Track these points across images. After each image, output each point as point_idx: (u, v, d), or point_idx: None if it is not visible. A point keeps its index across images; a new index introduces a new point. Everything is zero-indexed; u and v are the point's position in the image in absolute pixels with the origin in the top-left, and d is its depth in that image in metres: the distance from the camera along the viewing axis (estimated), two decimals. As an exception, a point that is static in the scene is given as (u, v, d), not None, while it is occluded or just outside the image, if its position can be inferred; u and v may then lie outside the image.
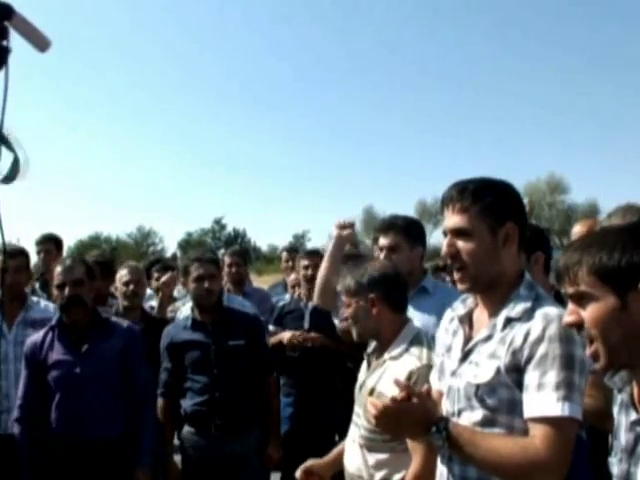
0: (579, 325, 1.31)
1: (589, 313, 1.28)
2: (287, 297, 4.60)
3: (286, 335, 3.92)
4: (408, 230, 3.03)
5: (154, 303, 4.87)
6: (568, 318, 1.34)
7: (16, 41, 1.59)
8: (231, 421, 3.28)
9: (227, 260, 4.98)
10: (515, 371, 1.64)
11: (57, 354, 3.08)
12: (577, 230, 3.78)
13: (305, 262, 4.15)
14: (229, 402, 3.26)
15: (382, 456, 2.24)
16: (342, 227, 3.16)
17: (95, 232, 55.73)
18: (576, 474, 2.24)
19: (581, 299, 1.29)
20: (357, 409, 2.40)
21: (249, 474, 3.32)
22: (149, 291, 5.21)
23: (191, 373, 3.33)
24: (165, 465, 3.35)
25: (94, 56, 77.32)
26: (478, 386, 1.69)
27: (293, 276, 4.32)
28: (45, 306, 3.76)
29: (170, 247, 55.38)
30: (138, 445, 3.05)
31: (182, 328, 3.43)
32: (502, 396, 1.66)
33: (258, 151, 77.88)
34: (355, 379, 2.55)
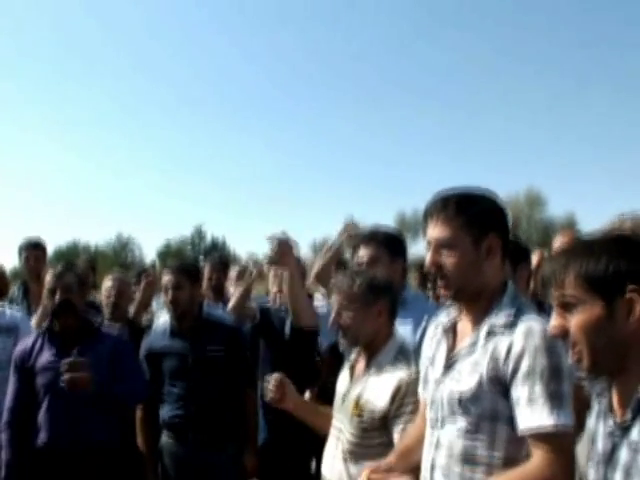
0: (565, 332, 1.32)
1: (575, 320, 1.30)
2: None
3: None
4: (389, 242, 3.02)
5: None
6: (555, 325, 1.35)
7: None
8: (208, 430, 3.25)
9: (207, 269, 4.96)
10: (497, 381, 1.66)
11: (46, 360, 3.07)
12: (558, 241, 3.83)
13: None
14: (206, 411, 3.25)
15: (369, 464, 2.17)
16: (279, 258, 3.07)
17: (73, 240, 55.10)
18: None
19: (568, 306, 1.31)
20: (338, 423, 2.33)
21: None
22: None
23: (169, 381, 3.32)
24: (144, 474, 3.33)
25: (68, 66, 76.67)
26: (461, 395, 1.72)
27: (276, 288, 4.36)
28: (10, 314, 3.72)
29: (149, 255, 54.86)
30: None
31: (160, 335, 3.43)
32: (485, 405, 1.69)
33: (238, 159, 77.75)
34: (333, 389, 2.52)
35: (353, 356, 2.47)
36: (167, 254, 49.60)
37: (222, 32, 76.45)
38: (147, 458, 3.37)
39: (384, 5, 68.32)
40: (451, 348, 1.84)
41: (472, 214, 1.76)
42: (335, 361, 3.68)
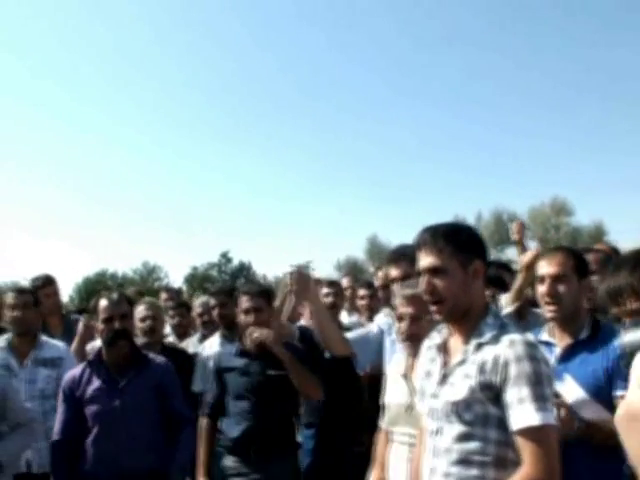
0: None
1: None
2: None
3: None
4: None
5: (171, 339, 4.87)
6: None
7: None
8: (268, 448, 3.34)
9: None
10: (487, 389, 1.87)
11: (96, 388, 3.12)
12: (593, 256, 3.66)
13: (326, 290, 4.46)
14: (266, 430, 3.34)
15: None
16: (299, 289, 3.10)
17: (101, 269, 55.83)
18: None
19: None
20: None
21: None
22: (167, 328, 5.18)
23: (233, 399, 3.44)
24: None
25: (92, 81, 78.11)
26: (456, 403, 1.92)
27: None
28: (54, 345, 3.82)
29: (176, 282, 55.19)
30: (171, 460, 3.08)
31: (229, 354, 3.57)
32: (477, 411, 1.89)
33: (261, 183, 78.25)
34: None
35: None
36: (194, 279, 49.99)
37: (252, 41, 77.29)
38: (203, 467, 3.40)
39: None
40: (444, 363, 2.05)
41: (459, 243, 2.01)
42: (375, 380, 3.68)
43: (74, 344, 4.13)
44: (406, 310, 2.57)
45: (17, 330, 3.70)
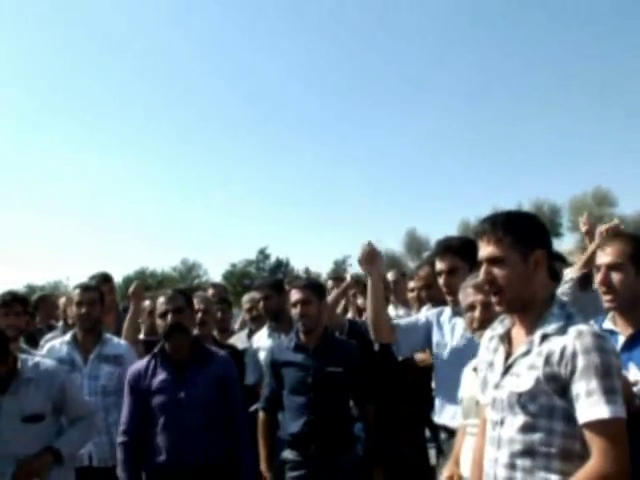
0: None
1: None
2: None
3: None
4: (464, 251, 3.06)
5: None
6: None
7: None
8: (327, 442, 3.39)
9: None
10: (553, 380, 1.84)
11: (160, 381, 3.18)
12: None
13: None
14: (324, 425, 3.39)
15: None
16: (367, 261, 3.18)
17: (141, 267, 56.68)
18: None
19: None
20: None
21: None
22: None
23: (289, 393, 3.50)
24: None
25: (135, 92, 79.31)
26: (520, 394, 1.89)
27: (360, 301, 4.41)
28: (117, 342, 3.88)
29: (215, 279, 55.64)
30: (239, 472, 3.14)
31: (285, 348, 3.59)
32: (542, 402, 1.86)
33: (299, 178, 78.40)
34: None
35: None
36: (232, 276, 50.43)
37: (285, 43, 77.56)
38: (266, 462, 3.50)
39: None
40: (507, 354, 2.03)
41: (519, 232, 1.97)
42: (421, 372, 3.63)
43: (126, 323, 4.17)
44: (476, 297, 2.53)
45: (83, 326, 3.77)
